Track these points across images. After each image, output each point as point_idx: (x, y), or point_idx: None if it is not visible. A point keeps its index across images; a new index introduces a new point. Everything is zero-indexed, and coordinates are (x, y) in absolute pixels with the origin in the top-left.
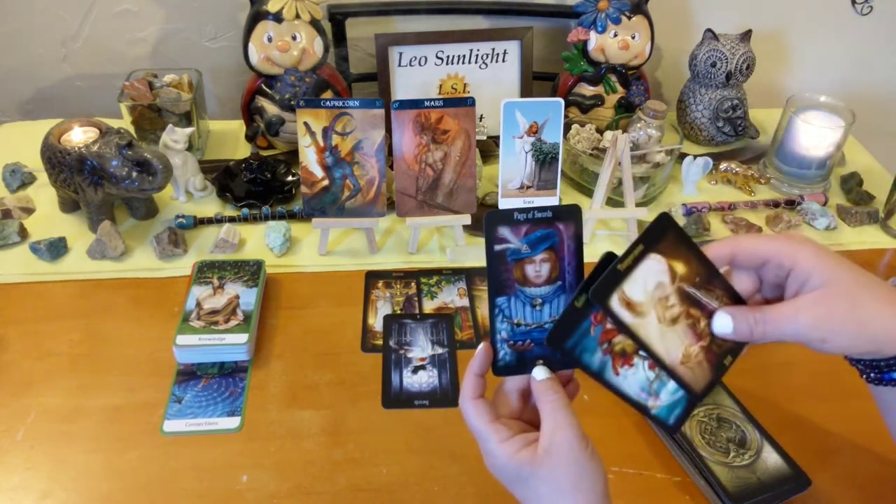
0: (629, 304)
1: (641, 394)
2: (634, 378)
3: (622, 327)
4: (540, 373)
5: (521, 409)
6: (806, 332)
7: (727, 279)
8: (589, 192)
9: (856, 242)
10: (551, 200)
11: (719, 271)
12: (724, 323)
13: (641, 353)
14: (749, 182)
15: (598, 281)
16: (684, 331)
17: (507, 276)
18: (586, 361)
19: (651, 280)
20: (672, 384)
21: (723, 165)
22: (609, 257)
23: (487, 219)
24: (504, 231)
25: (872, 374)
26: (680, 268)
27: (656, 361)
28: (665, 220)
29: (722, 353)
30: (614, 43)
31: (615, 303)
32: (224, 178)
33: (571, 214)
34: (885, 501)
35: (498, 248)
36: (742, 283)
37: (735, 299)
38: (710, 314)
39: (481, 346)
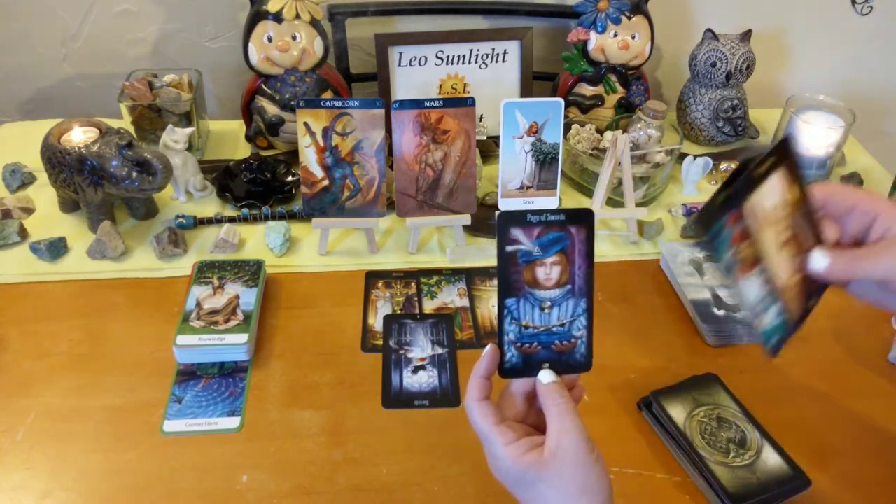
0: (757, 215)
1: (753, 307)
2: (751, 289)
3: (750, 232)
4: (546, 376)
5: (525, 413)
6: None
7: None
8: (589, 192)
9: None
10: (551, 200)
11: (817, 211)
12: (820, 259)
13: (759, 266)
14: None
15: (739, 181)
16: (788, 259)
17: (518, 277)
18: (720, 256)
19: (773, 197)
20: (776, 307)
21: (723, 165)
22: (745, 164)
23: (501, 219)
24: (517, 232)
25: None
26: (792, 195)
27: (770, 277)
28: (791, 141)
29: (809, 292)
30: (614, 43)
31: (747, 206)
32: (224, 178)
33: (584, 218)
34: (884, 502)
35: (510, 248)
36: (827, 230)
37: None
38: (806, 250)
39: (488, 347)
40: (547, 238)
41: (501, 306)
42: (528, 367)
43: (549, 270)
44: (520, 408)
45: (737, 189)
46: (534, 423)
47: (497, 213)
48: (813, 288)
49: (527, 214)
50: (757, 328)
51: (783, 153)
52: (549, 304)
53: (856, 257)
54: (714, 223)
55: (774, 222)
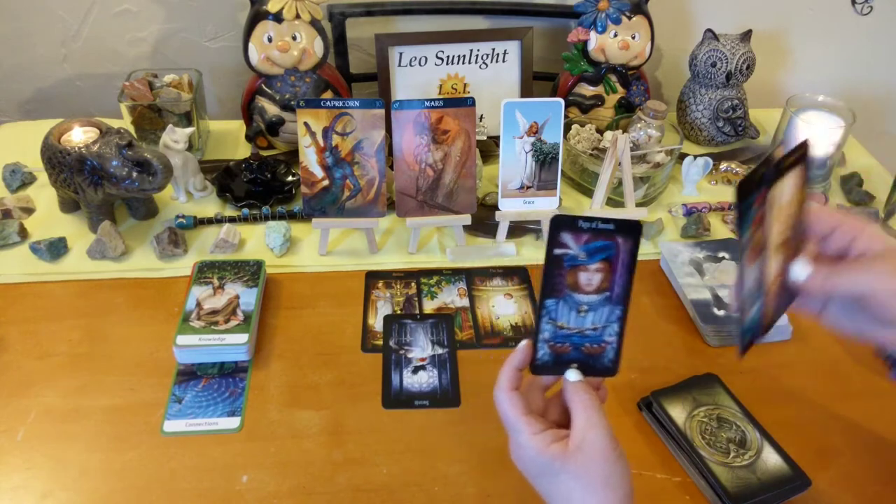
0: (772, 203)
1: (745, 298)
2: (750, 279)
3: (764, 220)
4: (573, 374)
5: (545, 409)
6: (880, 279)
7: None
8: (589, 193)
9: None
10: (551, 200)
11: (807, 224)
12: (802, 269)
13: (760, 258)
14: None
15: (772, 166)
16: (778, 261)
17: (561, 279)
18: (742, 231)
19: (786, 193)
20: (759, 304)
21: (723, 165)
22: (801, 146)
23: (553, 223)
24: (566, 237)
25: None
26: (797, 198)
27: (763, 272)
28: (808, 145)
29: (780, 303)
30: (614, 43)
31: (771, 193)
32: (224, 178)
33: (633, 231)
34: (884, 502)
35: (557, 251)
36: (808, 248)
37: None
38: (791, 258)
39: (524, 342)
40: (594, 245)
41: (542, 305)
42: (557, 366)
43: (591, 276)
44: (541, 403)
45: (768, 172)
46: (555, 420)
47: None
48: (783, 299)
49: (578, 220)
50: (740, 322)
51: (802, 155)
52: (585, 307)
53: (834, 272)
54: (749, 195)
55: (783, 219)
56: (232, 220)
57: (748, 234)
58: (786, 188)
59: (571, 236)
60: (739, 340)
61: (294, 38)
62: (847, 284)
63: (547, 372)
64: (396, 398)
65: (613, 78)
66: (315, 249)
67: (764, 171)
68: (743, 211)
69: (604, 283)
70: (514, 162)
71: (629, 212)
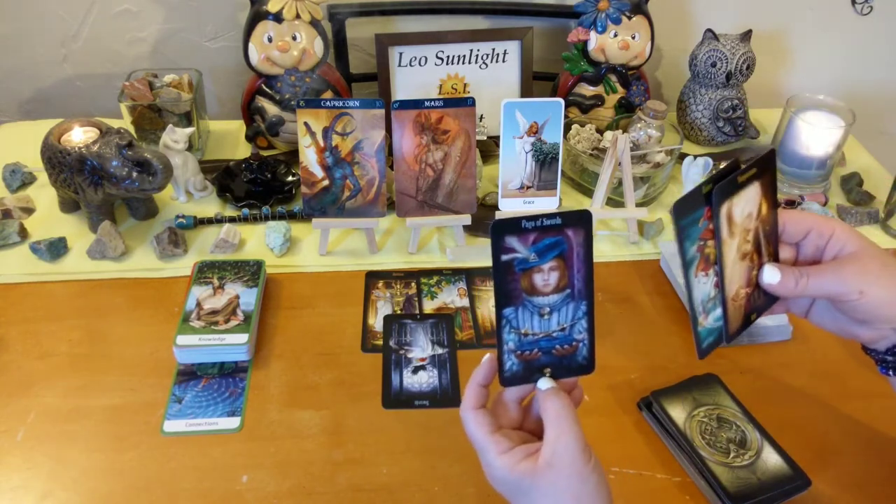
0: (729, 219)
1: (700, 305)
2: (702, 287)
3: (717, 234)
4: (544, 383)
5: (521, 419)
6: (847, 282)
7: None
8: (589, 193)
9: None
10: (551, 200)
11: (778, 231)
12: (772, 274)
13: (716, 268)
14: None
15: (725, 181)
16: (744, 271)
17: (514, 286)
18: (685, 247)
19: (747, 207)
20: (718, 311)
21: (723, 166)
22: (737, 163)
23: (494, 228)
24: (511, 241)
25: (890, 358)
26: (764, 209)
27: (721, 283)
28: (773, 156)
29: (753, 307)
30: (614, 43)
31: (723, 209)
32: (224, 178)
33: (582, 220)
34: (885, 502)
35: (505, 258)
36: (783, 252)
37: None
38: (761, 265)
39: (487, 356)
40: (543, 243)
41: (499, 316)
42: (528, 374)
43: (546, 276)
44: (514, 414)
45: (719, 188)
46: (533, 428)
47: (490, 222)
48: (759, 303)
49: (521, 221)
50: (698, 325)
51: (766, 166)
52: (548, 309)
53: (804, 274)
54: (693, 212)
55: (742, 231)
56: (232, 220)
57: (694, 248)
58: (744, 201)
59: (517, 239)
60: (696, 343)
61: (294, 38)
62: (817, 287)
63: (519, 382)
64: (396, 398)
65: (613, 78)
66: (315, 249)
67: (709, 191)
68: (684, 227)
69: (562, 280)
70: (514, 162)
71: (630, 211)
